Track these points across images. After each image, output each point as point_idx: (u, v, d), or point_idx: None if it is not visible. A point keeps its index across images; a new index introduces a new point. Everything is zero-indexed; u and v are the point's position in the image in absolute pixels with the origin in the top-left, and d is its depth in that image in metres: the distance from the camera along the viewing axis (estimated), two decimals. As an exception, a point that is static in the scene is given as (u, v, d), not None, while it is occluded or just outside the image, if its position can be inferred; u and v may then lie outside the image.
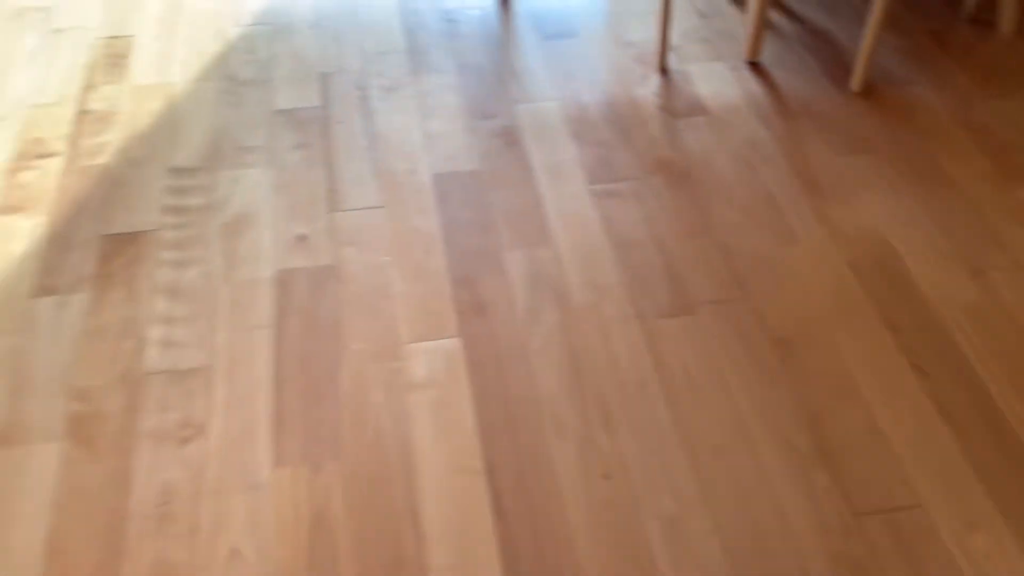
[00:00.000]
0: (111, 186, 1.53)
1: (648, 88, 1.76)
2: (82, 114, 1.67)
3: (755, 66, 1.82)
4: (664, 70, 1.80)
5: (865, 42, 1.70)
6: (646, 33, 1.90)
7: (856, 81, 1.74)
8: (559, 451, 1.19)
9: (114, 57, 1.80)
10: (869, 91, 1.75)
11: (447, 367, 1.29)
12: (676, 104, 1.73)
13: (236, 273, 1.41)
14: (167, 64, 1.79)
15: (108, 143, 1.61)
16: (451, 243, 1.47)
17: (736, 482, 1.16)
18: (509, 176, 1.58)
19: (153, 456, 1.18)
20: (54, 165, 1.57)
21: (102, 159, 1.58)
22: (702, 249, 1.46)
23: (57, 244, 1.44)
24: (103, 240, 1.45)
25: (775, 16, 1.95)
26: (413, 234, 1.49)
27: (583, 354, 1.31)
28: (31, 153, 1.59)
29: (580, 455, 1.19)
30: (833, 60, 1.83)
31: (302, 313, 1.36)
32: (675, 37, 1.89)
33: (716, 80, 1.78)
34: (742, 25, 1.92)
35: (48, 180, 1.54)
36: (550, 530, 1.11)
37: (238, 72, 1.78)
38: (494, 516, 1.12)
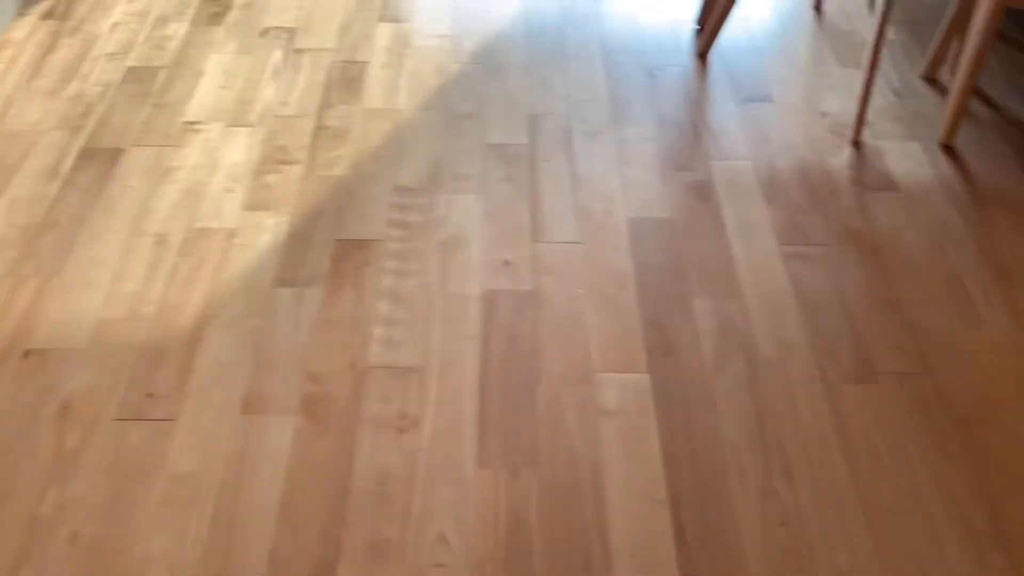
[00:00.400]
0: (344, 196, 1.72)
1: (841, 159, 1.83)
2: (319, 128, 1.87)
3: (949, 149, 1.86)
4: (858, 143, 1.86)
5: (1068, 138, 1.71)
6: (840, 105, 1.96)
7: (1053, 175, 1.76)
8: (740, 494, 1.27)
9: (348, 80, 2.00)
10: (1066, 186, 1.77)
11: (636, 400, 1.39)
12: (868, 178, 1.79)
13: (449, 287, 1.56)
14: (394, 92, 1.98)
15: (342, 157, 1.81)
16: (643, 284, 1.58)
17: (910, 549, 1.21)
18: (701, 228, 1.68)
19: (373, 440, 1.33)
20: (295, 172, 1.77)
21: (337, 171, 1.77)
22: (888, 321, 1.52)
23: (296, 242, 1.63)
24: (336, 243, 1.63)
25: (973, 102, 1.98)
26: (608, 271, 1.60)
27: (767, 407, 1.38)
28: (275, 159, 1.80)
29: (760, 501, 1.26)
30: (1029, 151, 1.86)
31: (505, 331, 1.50)
32: (870, 112, 1.95)
33: (909, 159, 1.83)
34: (937, 107, 1.96)
35: (290, 184, 1.74)
36: (728, 566, 1.19)
37: (456, 105, 1.95)
38: (676, 545, 1.21)
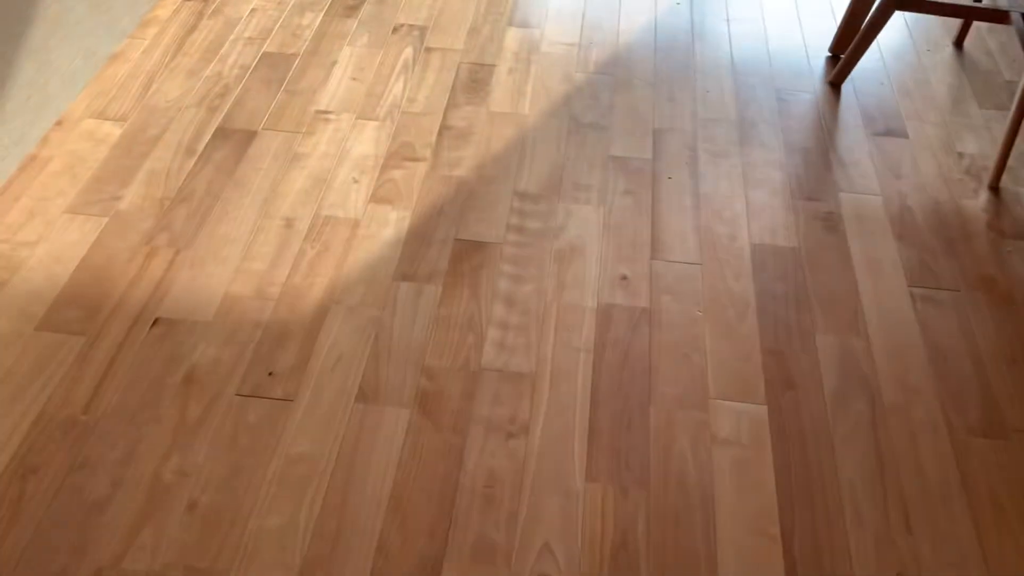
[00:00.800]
0: (466, 196, 1.73)
1: (978, 202, 1.76)
2: (445, 128, 1.89)
3: (1095, 201, 1.77)
4: (996, 188, 1.79)
5: None
6: (978, 147, 1.89)
7: None
8: (856, 538, 1.23)
9: (475, 82, 2.02)
10: None
11: (752, 430, 1.36)
12: (1005, 224, 1.71)
13: (564, 296, 1.56)
14: (519, 96, 1.99)
15: (465, 158, 1.82)
16: (764, 312, 1.54)
17: (1037, 618, 1.15)
18: (827, 260, 1.64)
19: (483, 441, 1.33)
20: (420, 169, 1.79)
21: (459, 171, 1.79)
22: (1020, 376, 1.45)
23: (417, 238, 1.65)
24: (455, 243, 1.64)
25: (1122, 154, 1.88)
26: (727, 296, 1.57)
27: (888, 452, 1.34)
28: (401, 154, 1.82)
29: (876, 548, 1.22)
30: None
31: (619, 346, 1.48)
32: (1010, 157, 1.87)
33: (1051, 208, 1.75)
34: (1082, 156, 1.87)
35: (414, 181, 1.76)
36: (840, 611, 1.15)
37: (581, 115, 1.95)
38: (787, 582, 1.18)
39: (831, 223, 1.72)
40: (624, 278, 1.60)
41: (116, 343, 1.43)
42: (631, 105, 1.98)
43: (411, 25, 2.19)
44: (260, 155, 1.80)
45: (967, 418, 1.39)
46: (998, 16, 1.92)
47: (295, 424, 1.34)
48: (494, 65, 2.08)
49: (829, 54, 2.15)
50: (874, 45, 2.18)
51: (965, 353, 1.49)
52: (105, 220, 1.64)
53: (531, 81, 2.04)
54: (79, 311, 1.48)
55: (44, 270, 1.54)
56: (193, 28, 2.12)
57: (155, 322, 1.47)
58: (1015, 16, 1.90)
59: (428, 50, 2.11)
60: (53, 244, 1.59)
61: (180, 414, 1.34)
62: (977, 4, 1.96)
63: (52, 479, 1.25)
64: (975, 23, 2.25)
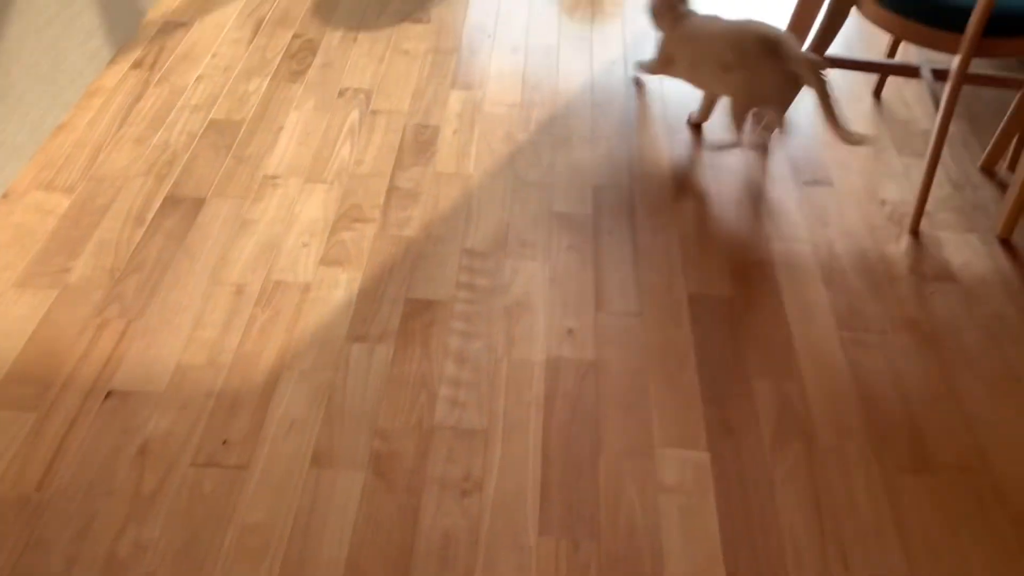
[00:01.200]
0: (415, 256, 1.78)
1: (900, 247, 1.86)
2: (393, 189, 1.94)
3: (1007, 243, 1.88)
4: (916, 233, 1.89)
5: None
6: (899, 194, 2.00)
7: (1112, 275, 1.77)
8: (797, 578, 1.29)
9: (421, 143, 2.08)
10: (1124, 286, 1.78)
11: (696, 477, 1.42)
12: (926, 268, 1.82)
13: (514, 351, 1.61)
14: (464, 157, 2.05)
15: (413, 218, 1.87)
16: (703, 360, 1.61)
17: (968, 647, 1.21)
18: (761, 307, 1.72)
19: (438, 501, 1.36)
20: (369, 230, 1.83)
21: (408, 231, 1.84)
22: (945, 413, 1.53)
23: (368, 299, 1.68)
24: (406, 302, 1.68)
25: (1031, 197, 2.01)
26: (668, 345, 1.64)
27: (824, 491, 1.40)
28: (350, 216, 1.86)
29: (817, 586, 1.28)
30: (1087, 249, 1.88)
31: (567, 398, 1.53)
32: (929, 202, 1.98)
33: (967, 251, 1.86)
34: (995, 200, 1.99)
35: (363, 242, 1.81)
36: (785, 650, 1.20)
37: (524, 173, 2.01)
38: (734, 625, 1.23)
39: (764, 271, 1.80)
40: (571, 332, 1.66)
41: (69, 418, 1.44)
42: (571, 162, 2.06)
43: (356, 88, 2.24)
44: (209, 222, 1.82)
45: (898, 456, 1.46)
46: (910, 71, 2.05)
47: (250, 492, 1.35)
48: (439, 126, 2.14)
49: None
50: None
51: (893, 393, 1.57)
52: (55, 293, 1.64)
53: (475, 141, 2.10)
54: (30, 387, 1.48)
55: (-7, 346, 1.54)
56: (139, 97, 2.15)
57: (108, 395, 1.48)
58: (924, 71, 2.03)
59: (374, 113, 2.17)
60: (1, 319, 1.59)
61: (135, 487, 1.35)
62: (890, 61, 2.08)
63: (5, 559, 1.25)
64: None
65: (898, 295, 1.76)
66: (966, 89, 2.35)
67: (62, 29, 2.03)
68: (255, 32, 2.41)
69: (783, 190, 2.01)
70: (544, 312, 1.69)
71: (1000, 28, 1.74)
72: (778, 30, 1.87)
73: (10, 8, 1.83)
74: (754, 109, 1.98)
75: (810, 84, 1.82)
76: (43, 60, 1.96)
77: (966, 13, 1.73)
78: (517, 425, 1.48)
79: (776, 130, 2.12)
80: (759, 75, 1.86)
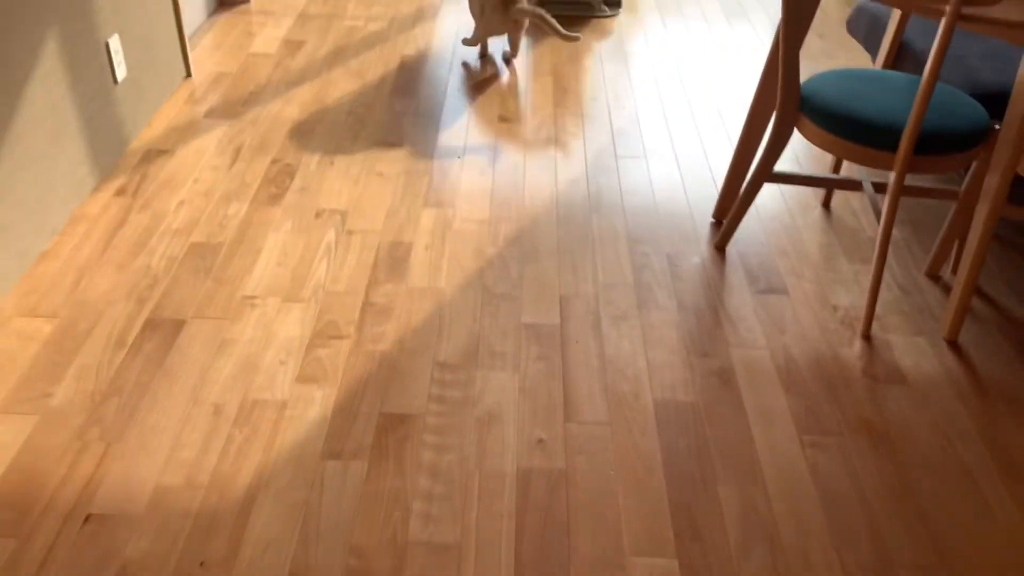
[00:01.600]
0: (389, 370, 1.84)
1: (853, 351, 1.95)
2: (367, 305, 2.02)
3: (954, 344, 1.98)
4: (868, 336, 1.99)
5: (1065, 338, 1.83)
6: (850, 299, 2.11)
7: (1053, 371, 1.87)
8: None
9: (394, 260, 2.17)
10: (1066, 382, 1.88)
11: (665, 583, 1.45)
12: (878, 370, 1.90)
13: (486, 463, 1.65)
14: (436, 272, 2.14)
15: (387, 332, 1.94)
16: (669, 467, 1.66)
17: None
18: (723, 413, 1.78)
19: (413, 617, 1.38)
20: (344, 346, 1.90)
21: (382, 346, 1.91)
22: (902, 512, 1.59)
23: (343, 414, 1.73)
24: (380, 416, 1.73)
25: (975, 300, 2.12)
26: (636, 453, 1.69)
27: (790, 594, 1.44)
28: (326, 333, 1.93)
29: None
30: (1029, 347, 1.98)
31: (539, 509, 1.57)
32: (878, 307, 2.09)
33: (916, 353, 1.95)
34: (941, 303, 2.10)
35: (339, 358, 1.87)
36: None
37: (493, 286, 2.10)
38: None
39: (725, 377, 1.88)
40: (541, 441, 1.71)
41: (47, 544, 1.45)
42: (538, 275, 2.16)
43: (332, 210, 2.35)
44: (189, 343, 1.88)
45: (860, 556, 1.51)
46: (853, 185, 2.19)
47: (228, 613, 1.37)
48: (412, 243, 2.24)
49: (713, 220, 2.38)
50: (752, 210, 2.43)
51: (852, 493, 1.63)
52: (36, 418, 1.68)
53: (446, 257, 2.20)
54: (10, 513, 1.50)
55: (-27, 472, 1.56)
56: (122, 223, 2.24)
57: (87, 519, 1.50)
58: (866, 185, 2.17)
59: (349, 232, 2.27)
60: (-18, 445, 1.62)
61: (112, 612, 1.36)
62: (834, 176, 2.23)
63: None
64: (839, 184, 2.53)
65: (853, 398, 1.84)
66: (908, 198, 2.50)
67: (51, 161, 2.12)
68: (235, 158, 2.53)
69: (740, 298, 2.11)
70: (515, 423, 1.75)
71: (930, 147, 1.88)
72: None
73: (1, 144, 1.93)
74: (492, 36, 3.18)
75: (532, 19, 3.01)
76: (32, 191, 2.05)
77: (897, 133, 1.88)
78: (490, 538, 1.52)
79: (512, 51, 3.26)
80: (493, 18, 3.07)
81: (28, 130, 2.02)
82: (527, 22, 3.30)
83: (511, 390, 1.82)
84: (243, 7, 3.52)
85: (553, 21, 2.98)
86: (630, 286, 2.14)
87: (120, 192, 2.36)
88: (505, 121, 2.83)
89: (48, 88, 2.10)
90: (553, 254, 2.24)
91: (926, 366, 1.93)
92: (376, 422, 1.73)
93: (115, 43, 2.42)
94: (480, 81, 3.07)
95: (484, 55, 3.29)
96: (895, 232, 2.37)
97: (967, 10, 1.69)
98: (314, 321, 1.97)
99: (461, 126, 2.79)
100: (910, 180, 2.49)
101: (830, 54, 3.37)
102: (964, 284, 1.96)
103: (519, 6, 3.02)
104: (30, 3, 2.02)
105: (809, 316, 2.06)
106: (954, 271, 2.21)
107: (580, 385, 1.85)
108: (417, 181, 2.49)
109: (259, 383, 1.80)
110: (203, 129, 2.67)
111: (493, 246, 2.25)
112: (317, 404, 1.76)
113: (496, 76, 3.10)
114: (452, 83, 3.05)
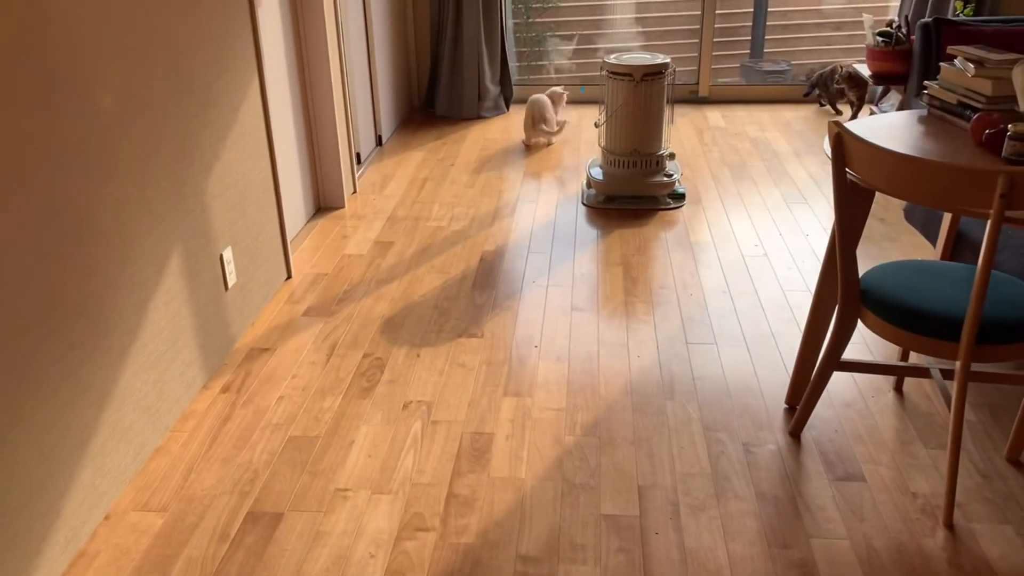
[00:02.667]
0: (473, 564, 1.91)
1: (936, 541, 1.93)
2: (451, 496, 2.12)
3: (1043, 532, 1.95)
4: (950, 525, 1.98)
5: None
6: (929, 486, 2.11)
7: None
8: None
9: (477, 450, 2.28)
10: None
11: None
12: (964, 561, 1.88)
13: (569, 661, 1.67)
14: (517, 461, 2.24)
15: (470, 525, 2.02)
16: (755, 666, 1.65)
17: None
18: (807, 609, 1.78)
19: None
20: (430, 539, 1.98)
21: (465, 538, 1.98)
22: None
23: (430, 609, 1.80)
24: (466, 612, 1.79)
25: (1060, 484, 2.10)
26: (719, 651, 1.69)
27: None
28: (413, 525, 2.02)
29: None
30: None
31: None
32: (959, 494, 2.08)
33: (1003, 542, 1.92)
34: (1023, 489, 2.08)
35: (424, 551, 1.95)
36: None
37: (572, 475, 2.18)
38: None
39: (807, 569, 1.88)
40: (623, 638, 1.73)
41: None
42: (616, 464, 2.23)
43: (419, 401, 2.50)
44: (286, 536, 1.99)
45: None
46: (921, 372, 2.24)
47: None
48: (493, 433, 2.35)
49: (786, 405, 2.44)
50: (825, 395, 2.48)
51: None
52: (145, 611, 1.79)
53: (526, 446, 2.30)
54: None
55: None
56: (227, 418, 2.42)
57: None
58: (934, 372, 2.22)
59: (434, 423, 2.40)
60: (95, 638, 1.72)
61: None
62: (902, 363, 2.28)
63: None
64: (910, 367, 2.57)
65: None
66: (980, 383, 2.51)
67: (168, 364, 2.35)
68: (330, 354, 2.74)
69: (817, 485, 2.13)
70: (597, 618, 1.77)
71: (992, 336, 1.94)
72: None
73: (128, 352, 2.16)
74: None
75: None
76: (151, 392, 2.26)
77: (958, 325, 1.95)
78: None
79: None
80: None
81: (150, 338, 2.26)
82: None
83: (592, 583, 1.86)
84: (339, 212, 3.87)
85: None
86: (707, 475, 2.18)
87: (226, 389, 2.56)
88: (578, 310, 2.99)
89: (168, 300, 2.36)
90: (629, 442, 2.31)
91: (1015, 556, 1.89)
92: (462, 616, 1.78)
93: (228, 254, 2.71)
94: (555, 272, 3.27)
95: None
96: (972, 416, 2.38)
97: (1011, 213, 1.80)
98: (401, 513, 2.06)
99: (537, 316, 2.96)
100: (978, 366, 2.51)
101: (892, 238, 3.49)
102: (1046, 471, 1.95)
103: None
104: (159, 226, 2.32)
105: (888, 504, 2.06)
106: (1037, 455, 2.19)
107: (661, 578, 1.87)
108: (497, 371, 2.63)
109: (351, 576, 1.88)
110: (301, 327, 2.90)
111: (571, 435, 2.34)
112: (405, 598, 1.82)
113: (569, 267, 3.30)
114: (528, 275, 3.25)
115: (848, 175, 2.03)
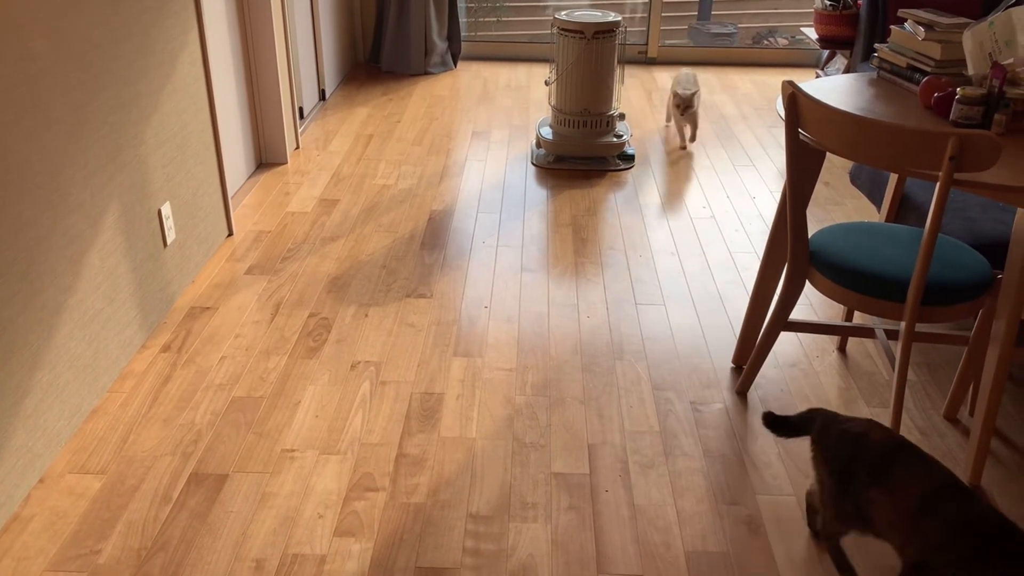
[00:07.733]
0: (423, 523, 1.89)
1: (878, 496, 1.98)
2: (401, 456, 2.09)
3: (977, 488, 2.01)
4: (891, 481, 2.03)
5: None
6: (871, 442, 2.16)
7: (1080, 515, 1.89)
8: None
9: (426, 410, 2.26)
10: (1093, 526, 1.89)
11: None
12: (905, 515, 1.93)
13: (521, 619, 1.68)
14: (467, 421, 2.22)
15: (421, 484, 2.00)
16: (703, 620, 1.68)
17: None
18: (754, 563, 1.81)
19: None
20: (379, 499, 1.96)
21: (416, 498, 1.96)
22: (940, 665, 1.59)
23: (379, 569, 1.77)
24: (417, 571, 1.77)
25: (995, 442, 2.16)
26: (669, 605, 1.71)
27: None
28: (362, 486, 1.99)
29: None
30: (1054, 489, 2.00)
31: (574, 666, 1.59)
32: (899, 449, 2.13)
33: (941, 496, 1.98)
34: (960, 446, 2.14)
35: (374, 511, 1.92)
36: None
37: (523, 435, 2.17)
38: None
39: (753, 526, 1.91)
40: (574, 594, 1.74)
41: None
42: (566, 423, 2.23)
43: (367, 361, 2.45)
44: (231, 498, 1.95)
45: None
46: (866, 332, 2.28)
47: None
48: (443, 393, 2.33)
49: (732, 365, 2.47)
50: (771, 355, 2.51)
51: (888, 646, 1.63)
52: (84, 576, 1.74)
53: (476, 406, 2.28)
54: (56, 674, 1.53)
55: (22, 632, 1.61)
56: (168, 378, 2.35)
57: None
58: (879, 332, 2.26)
59: (383, 383, 2.36)
60: (32, 604, 1.67)
61: None
62: (848, 323, 2.32)
63: None
64: (853, 327, 2.62)
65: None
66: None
67: (104, 322, 2.26)
68: (274, 313, 2.67)
69: (764, 443, 2.16)
70: (548, 575, 1.78)
71: (936, 298, 1.98)
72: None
73: (62, 309, 2.07)
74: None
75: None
76: (86, 352, 2.17)
77: (904, 286, 1.98)
78: None
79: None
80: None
81: (85, 295, 2.17)
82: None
83: (542, 542, 1.86)
84: (281, 168, 3.76)
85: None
86: (656, 433, 2.20)
87: (166, 349, 2.48)
88: (528, 271, 2.97)
89: (105, 255, 2.27)
90: (579, 401, 2.31)
91: (952, 511, 1.95)
92: (412, 576, 1.77)
93: (167, 209, 2.61)
94: (505, 233, 3.24)
95: None
96: (912, 375, 2.44)
97: (960, 175, 1.83)
98: (350, 473, 2.03)
99: (487, 276, 2.93)
100: (921, 327, 2.57)
101: (837, 201, 3.54)
102: (981, 428, 2.01)
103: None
104: (94, 179, 2.21)
105: (832, 461, 2.10)
106: (971, 413, 2.26)
107: (612, 536, 1.88)
108: (446, 331, 2.60)
109: (298, 537, 1.85)
110: (244, 285, 2.82)
111: (521, 395, 2.33)
112: (355, 558, 1.80)
113: (519, 228, 3.27)
114: (478, 235, 3.21)
115: (800, 135, 2.03)
